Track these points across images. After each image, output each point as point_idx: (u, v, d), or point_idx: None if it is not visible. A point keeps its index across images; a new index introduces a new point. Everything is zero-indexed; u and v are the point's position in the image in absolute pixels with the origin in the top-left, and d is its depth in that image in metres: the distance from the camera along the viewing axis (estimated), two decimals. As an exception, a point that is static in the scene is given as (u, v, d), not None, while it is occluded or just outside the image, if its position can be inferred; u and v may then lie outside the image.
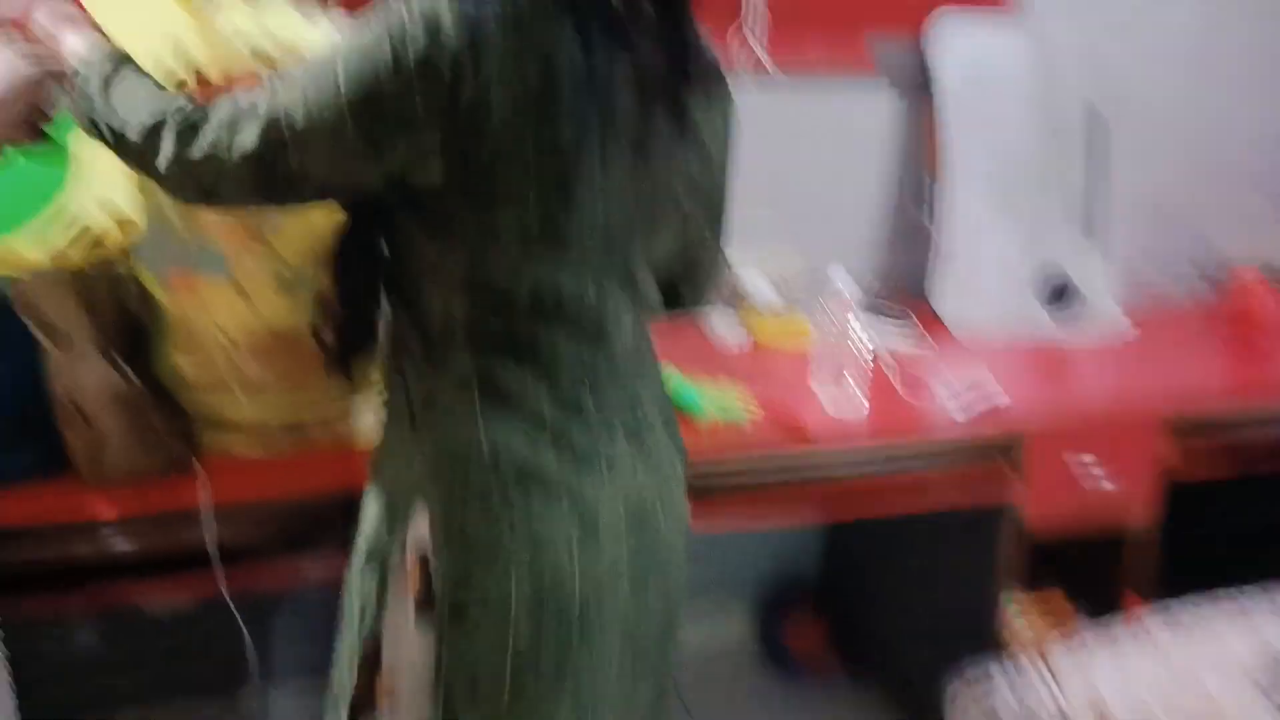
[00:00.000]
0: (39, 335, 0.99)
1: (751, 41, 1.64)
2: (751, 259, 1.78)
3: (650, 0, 0.79)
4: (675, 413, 0.98)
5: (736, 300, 1.78)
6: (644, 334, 0.92)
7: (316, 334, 0.86)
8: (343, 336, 0.87)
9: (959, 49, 1.78)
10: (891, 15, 1.76)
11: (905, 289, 1.92)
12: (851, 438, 1.34)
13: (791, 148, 1.77)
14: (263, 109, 0.76)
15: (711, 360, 1.59)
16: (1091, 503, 1.44)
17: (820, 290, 1.78)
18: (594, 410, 0.84)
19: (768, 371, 1.55)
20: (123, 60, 0.84)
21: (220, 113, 0.77)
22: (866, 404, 1.39)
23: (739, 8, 1.63)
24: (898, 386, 1.47)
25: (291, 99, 0.75)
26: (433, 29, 0.72)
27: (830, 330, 1.39)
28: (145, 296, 1.07)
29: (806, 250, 1.83)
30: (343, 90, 0.74)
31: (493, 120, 0.74)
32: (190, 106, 0.79)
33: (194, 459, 1.08)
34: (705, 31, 0.86)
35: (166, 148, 0.77)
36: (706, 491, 1.12)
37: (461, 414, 0.81)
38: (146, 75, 0.84)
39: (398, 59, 0.73)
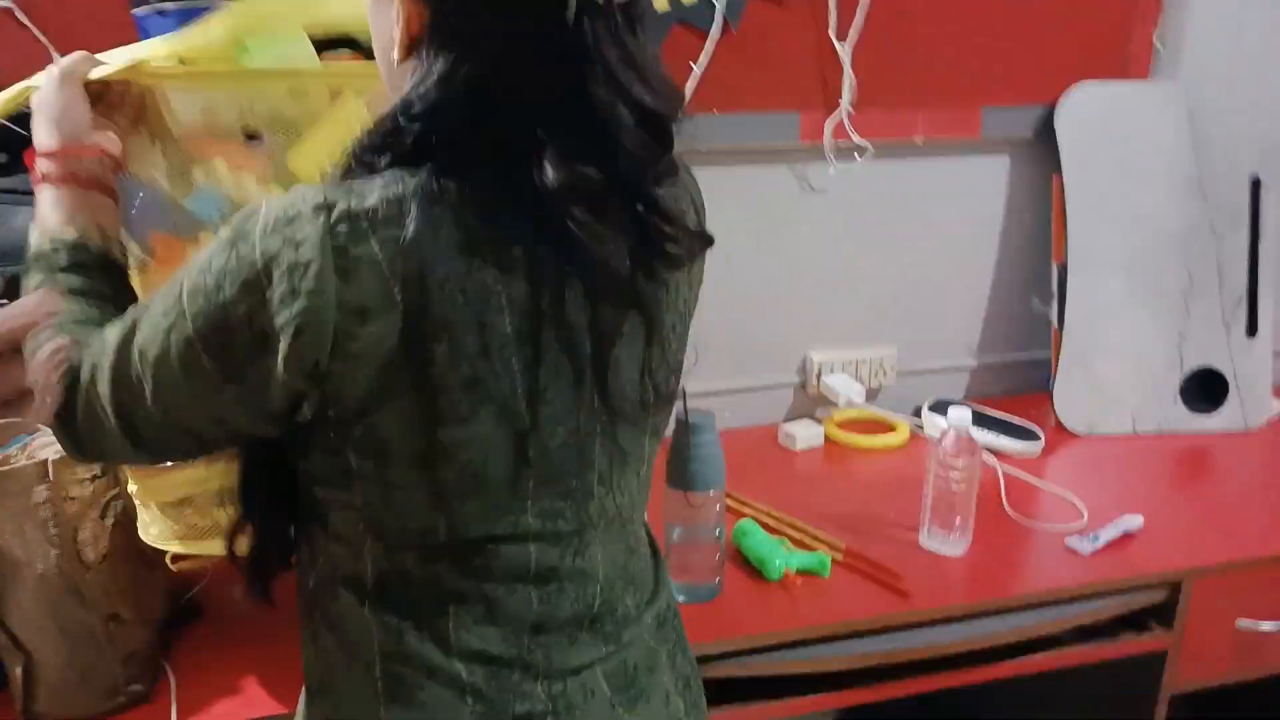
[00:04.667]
0: None
1: (847, 126, 1.50)
2: (839, 357, 1.63)
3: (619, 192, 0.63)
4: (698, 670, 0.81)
5: (818, 403, 1.63)
6: (630, 563, 0.75)
7: (231, 552, 0.75)
8: (256, 555, 0.72)
9: (1091, 120, 1.58)
10: (1010, 87, 1.58)
11: (1022, 388, 1.74)
12: (960, 591, 1.14)
13: (892, 233, 1.62)
14: (112, 338, 0.65)
15: (784, 475, 1.44)
16: (1254, 646, 1.22)
17: (918, 392, 1.66)
18: (547, 671, 0.69)
19: (852, 488, 1.38)
20: (65, 269, 0.74)
21: (90, 359, 0.66)
22: (971, 544, 1.20)
23: (835, 91, 1.50)
24: (1014, 518, 1.29)
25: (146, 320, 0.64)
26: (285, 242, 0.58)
27: (943, 475, 1.19)
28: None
29: (906, 344, 1.67)
30: (187, 311, 0.61)
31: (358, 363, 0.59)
32: (72, 363, 0.67)
33: (169, 674, 0.97)
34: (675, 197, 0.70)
35: (45, 418, 0.68)
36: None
37: (361, 694, 0.68)
38: (76, 298, 0.72)
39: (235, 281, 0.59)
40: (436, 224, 0.59)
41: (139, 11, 1.12)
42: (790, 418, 1.63)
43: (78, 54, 0.84)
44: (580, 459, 0.68)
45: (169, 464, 0.86)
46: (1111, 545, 1.22)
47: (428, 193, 0.59)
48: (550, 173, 0.60)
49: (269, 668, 0.99)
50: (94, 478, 0.93)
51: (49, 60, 1.17)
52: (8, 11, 1.17)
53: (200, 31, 0.90)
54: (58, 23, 1.18)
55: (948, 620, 1.11)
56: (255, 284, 0.58)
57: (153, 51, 0.88)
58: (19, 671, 0.91)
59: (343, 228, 0.57)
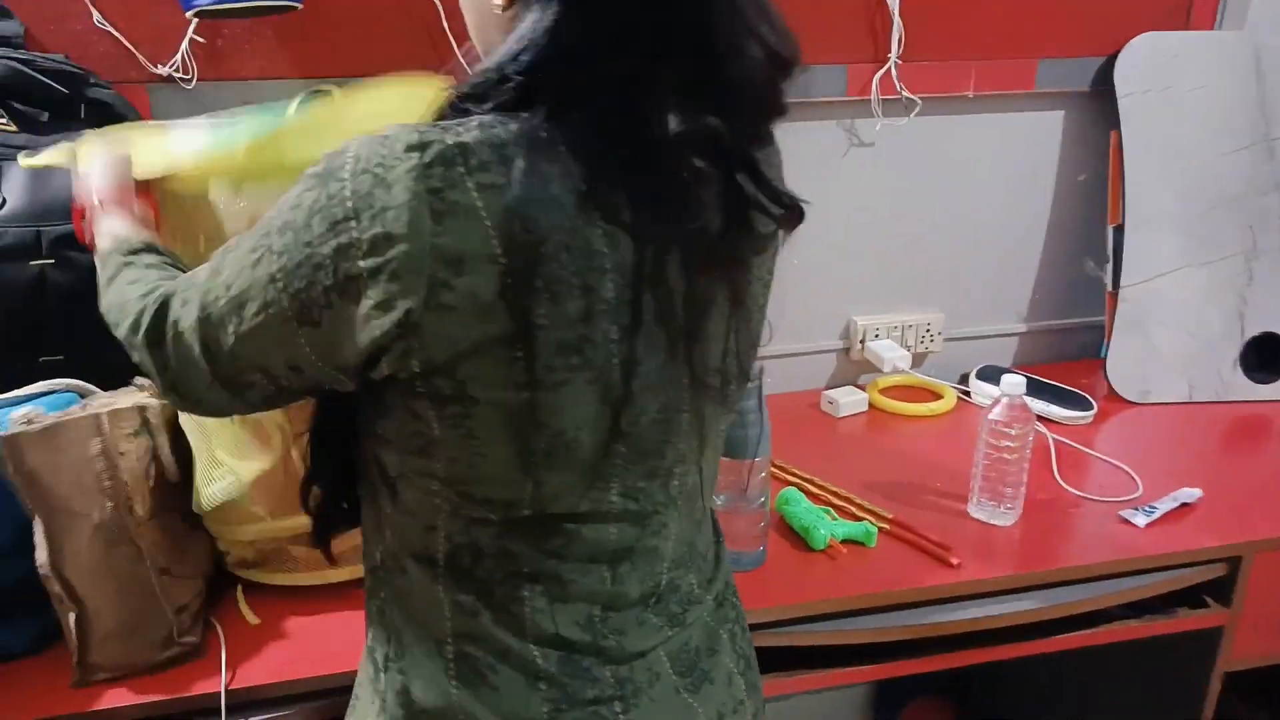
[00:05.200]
0: (23, 500, 0.89)
1: (896, 79, 1.45)
2: (883, 321, 1.59)
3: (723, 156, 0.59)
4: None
5: (862, 369, 1.60)
6: (697, 541, 0.74)
7: (307, 509, 0.75)
8: (319, 515, 0.72)
9: (1152, 72, 1.51)
10: (1066, 38, 1.51)
11: (1071, 354, 1.69)
12: (1009, 563, 1.11)
13: (939, 191, 1.57)
14: (201, 277, 0.65)
15: (827, 443, 1.41)
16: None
17: (965, 359, 1.62)
18: (618, 656, 0.67)
19: (897, 456, 1.35)
20: (138, 251, 0.76)
21: (181, 291, 0.66)
22: (1021, 515, 1.17)
23: (884, 43, 1.44)
24: (1066, 488, 1.25)
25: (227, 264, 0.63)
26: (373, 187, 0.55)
27: (994, 444, 1.15)
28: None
29: (953, 308, 1.63)
30: (274, 247, 0.59)
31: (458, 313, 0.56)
32: (165, 291, 0.67)
33: (218, 629, 0.98)
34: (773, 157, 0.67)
35: (138, 341, 0.67)
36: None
37: (431, 672, 0.66)
38: (157, 266, 0.75)
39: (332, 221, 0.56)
40: (543, 175, 0.55)
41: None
42: (833, 384, 1.60)
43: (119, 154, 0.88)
44: (667, 436, 0.65)
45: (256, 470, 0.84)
46: (1167, 517, 1.18)
47: (533, 139, 0.55)
48: (671, 119, 0.55)
49: (315, 627, 1.00)
50: (135, 432, 0.94)
51: (89, 18, 1.17)
52: (43, -32, 1.15)
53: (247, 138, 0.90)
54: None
55: (997, 593, 1.09)
56: (344, 224, 0.55)
57: (196, 157, 0.91)
58: (73, 621, 0.92)
59: (438, 169, 0.53)
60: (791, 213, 0.64)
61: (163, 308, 0.66)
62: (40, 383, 1.01)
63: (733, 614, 0.78)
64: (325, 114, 0.94)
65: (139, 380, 1.02)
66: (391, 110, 0.98)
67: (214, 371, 0.64)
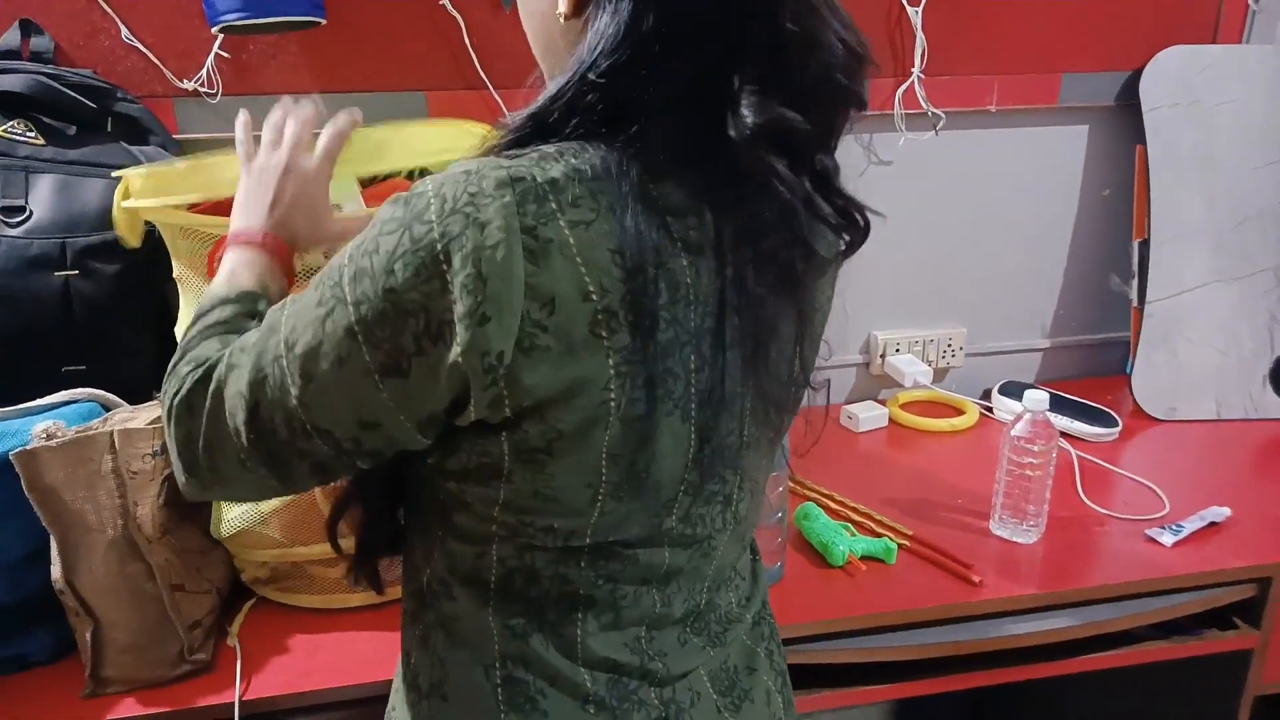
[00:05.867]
0: (40, 515, 0.88)
1: (919, 93, 1.44)
2: (905, 336, 1.58)
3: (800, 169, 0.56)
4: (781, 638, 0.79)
5: (883, 384, 1.58)
6: (738, 561, 0.73)
7: (332, 536, 0.73)
8: (363, 539, 0.70)
9: (1178, 86, 1.50)
10: (1091, 52, 1.50)
11: (1096, 371, 1.67)
12: (1032, 581, 1.08)
13: (962, 206, 1.55)
14: (254, 339, 0.60)
15: (847, 458, 1.39)
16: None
17: (987, 374, 1.60)
18: (663, 675, 0.66)
19: (917, 472, 1.33)
20: (233, 301, 0.70)
21: (229, 357, 0.61)
22: (1044, 533, 1.15)
23: (907, 58, 1.43)
24: (1090, 505, 1.23)
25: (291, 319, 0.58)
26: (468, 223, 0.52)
27: (1017, 460, 1.13)
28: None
29: (975, 323, 1.61)
30: (348, 298, 0.55)
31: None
32: (213, 360, 0.62)
33: (232, 640, 0.98)
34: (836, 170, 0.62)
35: (167, 412, 0.63)
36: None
37: (478, 698, 0.64)
38: (234, 325, 0.68)
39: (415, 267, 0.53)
40: (629, 208, 0.53)
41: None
42: (853, 399, 1.59)
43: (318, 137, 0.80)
44: (731, 461, 0.64)
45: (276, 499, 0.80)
46: (1195, 537, 1.16)
47: (617, 169, 0.54)
48: (748, 115, 0.53)
49: (330, 642, 1.00)
50: (154, 454, 0.94)
51: (117, 33, 1.19)
52: (73, -16, 1.17)
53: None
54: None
55: (1019, 612, 1.07)
56: (434, 268, 0.52)
57: None
58: (88, 636, 0.93)
59: (531, 206, 0.52)
60: (857, 226, 0.61)
61: (205, 376, 0.62)
62: (63, 393, 1.02)
63: (768, 631, 0.77)
64: (383, 134, 0.92)
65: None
66: (444, 144, 0.98)
67: (256, 442, 0.60)
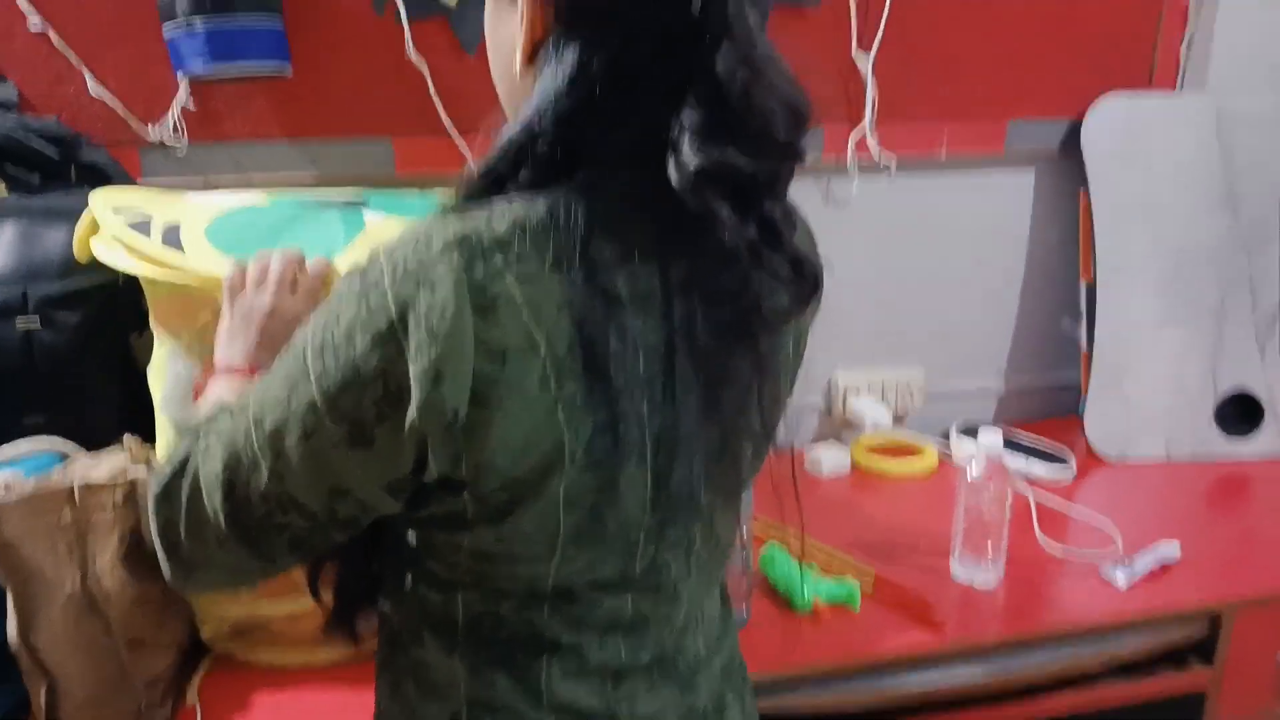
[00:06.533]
0: None
1: (870, 142, 1.49)
2: (864, 379, 1.61)
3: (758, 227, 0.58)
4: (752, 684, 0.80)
5: (843, 427, 1.61)
6: (706, 605, 0.73)
7: (314, 587, 0.74)
8: (341, 591, 0.71)
9: (1118, 133, 1.56)
10: (1035, 100, 1.56)
11: (1052, 411, 1.71)
12: (993, 623, 1.11)
13: (916, 250, 1.60)
14: (226, 423, 0.61)
15: (811, 501, 1.41)
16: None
17: (946, 415, 1.63)
18: None
19: (880, 514, 1.35)
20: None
21: (201, 439, 0.62)
22: (1004, 574, 1.17)
23: (858, 106, 1.48)
24: (1046, 546, 1.25)
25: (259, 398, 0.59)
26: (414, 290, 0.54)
27: (974, 501, 1.16)
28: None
29: (933, 366, 1.65)
30: (311, 372, 0.56)
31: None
32: (188, 446, 0.63)
33: (191, 698, 0.96)
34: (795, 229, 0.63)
35: (150, 504, 0.64)
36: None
37: None
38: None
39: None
40: (572, 257, 0.55)
41: (169, 32, 1.13)
42: (816, 441, 1.61)
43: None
44: (693, 508, 0.65)
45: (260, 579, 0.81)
46: (1148, 576, 1.19)
47: (566, 222, 0.55)
48: (688, 156, 0.54)
49: (294, 701, 0.98)
50: (115, 506, 0.93)
51: (82, 83, 1.19)
52: (41, 36, 1.17)
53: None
54: (89, 44, 1.19)
55: (982, 654, 1.09)
56: (390, 334, 0.54)
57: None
58: (43, 694, 0.90)
59: (479, 264, 0.53)
60: (806, 281, 0.62)
61: (182, 466, 0.63)
62: (22, 442, 1.00)
63: (739, 675, 0.78)
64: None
65: (128, 441, 1.01)
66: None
67: (233, 521, 0.61)
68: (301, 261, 0.83)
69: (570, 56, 0.56)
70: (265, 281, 0.80)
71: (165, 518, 0.63)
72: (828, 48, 1.44)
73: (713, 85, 0.55)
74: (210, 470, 0.61)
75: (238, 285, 0.81)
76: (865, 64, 1.45)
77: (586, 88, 0.56)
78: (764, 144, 0.57)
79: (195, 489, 0.62)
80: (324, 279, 0.83)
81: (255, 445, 0.59)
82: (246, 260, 0.82)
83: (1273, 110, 1.57)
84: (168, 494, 0.63)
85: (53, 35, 1.18)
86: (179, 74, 1.14)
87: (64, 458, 1.00)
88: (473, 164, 0.60)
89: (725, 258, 0.57)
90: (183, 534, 0.63)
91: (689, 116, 0.55)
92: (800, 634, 1.08)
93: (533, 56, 0.59)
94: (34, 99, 1.19)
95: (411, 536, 0.64)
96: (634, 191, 0.57)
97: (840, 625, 1.10)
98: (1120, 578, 1.17)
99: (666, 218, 0.56)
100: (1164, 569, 1.20)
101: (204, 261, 0.90)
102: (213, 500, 0.61)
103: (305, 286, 0.82)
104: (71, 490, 0.91)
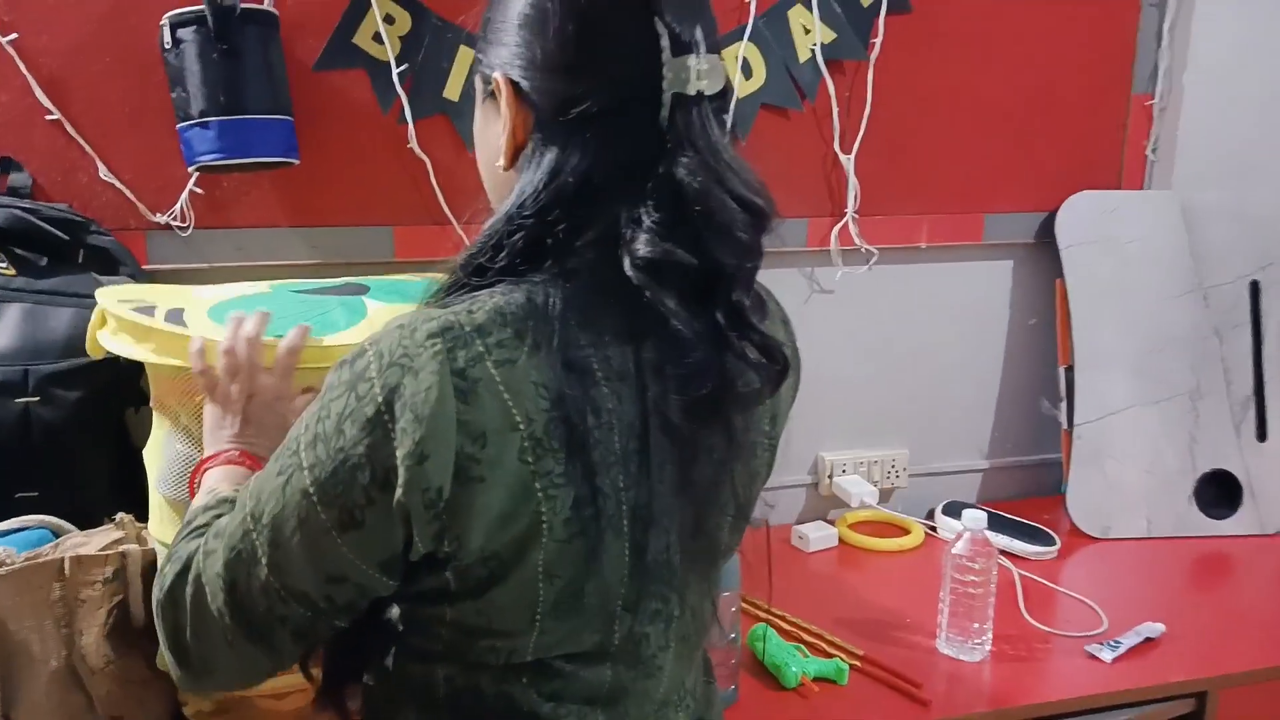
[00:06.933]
0: None
1: (853, 231, 1.55)
2: (850, 457, 1.64)
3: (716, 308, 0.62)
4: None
5: (831, 504, 1.63)
6: (687, 679, 0.74)
7: (304, 665, 0.75)
8: (329, 667, 0.72)
9: (1090, 226, 1.63)
10: (1010, 195, 1.63)
11: (1035, 490, 1.73)
12: (980, 700, 1.11)
13: (900, 335, 1.64)
14: (225, 522, 0.64)
15: (798, 578, 1.42)
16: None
17: (931, 494, 1.65)
18: None
19: (867, 591, 1.36)
20: (212, 509, 0.73)
21: (206, 543, 0.65)
22: (990, 651, 1.18)
23: (841, 200, 1.55)
24: (1032, 622, 1.26)
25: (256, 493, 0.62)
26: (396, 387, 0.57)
27: (959, 579, 1.17)
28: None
29: (917, 445, 1.68)
30: (304, 463, 0.59)
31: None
32: (191, 549, 0.66)
33: None
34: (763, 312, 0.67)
35: (155, 609, 0.66)
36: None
37: None
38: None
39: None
40: (549, 340, 0.59)
41: (182, 126, 1.18)
42: (803, 519, 1.62)
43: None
44: (671, 581, 0.67)
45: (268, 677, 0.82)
46: (1133, 652, 1.20)
47: (541, 309, 0.59)
48: (640, 247, 0.59)
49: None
50: (105, 581, 0.93)
51: (94, 170, 1.24)
52: (56, 123, 1.23)
53: None
54: (103, 134, 1.25)
55: (969, 731, 1.08)
56: (377, 420, 0.57)
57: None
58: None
59: (460, 351, 0.57)
60: (775, 363, 0.65)
61: (185, 569, 0.66)
62: (14, 519, 1.01)
63: None
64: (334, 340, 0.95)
65: (120, 517, 1.02)
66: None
67: (237, 617, 0.63)
68: (266, 322, 0.85)
69: (548, 160, 0.62)
70: (236, 368, 0.83)
71: (172, 622, 0.66)
72: (811, 147, 1.52)
73: (672, 188, 0.61)
74: (213, 571, 0.63)
75: (212, 379, 0.84)
76: (848, 162, 1.52)
77: (561, 186, 0.61)
78: (726, 242, 0.61)
79: (199, 590, 0.64)
80: (297, 352, 0.85)
81: (254, 539, 0.61)
82: (215, 348, 0.84)
83: (1235, 204, 1.64)
84: (173, 597, 0.66)
85: (68, 126, 1.23)
86: (190, 165, 1.18)
87: (55, 534, 1.01)
88: (454, 258, 0.64)
89: (687, 342, 0.61)
90: (189, 637, 0.65)
91: (646, 214, 0.60)
92: (789, 711, 1.08)
93: (515, 157, 0.65)
94: (48, 186, 1.24)
95: (394, 611, 0.66)
96: (605, 279, 0.61)
97: (828, 702, 1.09)
98: (1105, 654, 1.18)
99: (634, 303, 0.60)
100: (1149, 645, 1.21)
101: (208, 335, 0.92)
102: (216, 600, 0.63)
103: (281, 365, 0.84)
104: (62, 565, 0.92)
